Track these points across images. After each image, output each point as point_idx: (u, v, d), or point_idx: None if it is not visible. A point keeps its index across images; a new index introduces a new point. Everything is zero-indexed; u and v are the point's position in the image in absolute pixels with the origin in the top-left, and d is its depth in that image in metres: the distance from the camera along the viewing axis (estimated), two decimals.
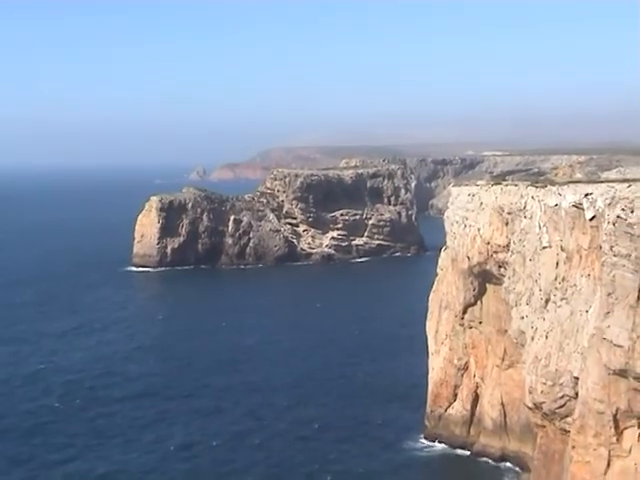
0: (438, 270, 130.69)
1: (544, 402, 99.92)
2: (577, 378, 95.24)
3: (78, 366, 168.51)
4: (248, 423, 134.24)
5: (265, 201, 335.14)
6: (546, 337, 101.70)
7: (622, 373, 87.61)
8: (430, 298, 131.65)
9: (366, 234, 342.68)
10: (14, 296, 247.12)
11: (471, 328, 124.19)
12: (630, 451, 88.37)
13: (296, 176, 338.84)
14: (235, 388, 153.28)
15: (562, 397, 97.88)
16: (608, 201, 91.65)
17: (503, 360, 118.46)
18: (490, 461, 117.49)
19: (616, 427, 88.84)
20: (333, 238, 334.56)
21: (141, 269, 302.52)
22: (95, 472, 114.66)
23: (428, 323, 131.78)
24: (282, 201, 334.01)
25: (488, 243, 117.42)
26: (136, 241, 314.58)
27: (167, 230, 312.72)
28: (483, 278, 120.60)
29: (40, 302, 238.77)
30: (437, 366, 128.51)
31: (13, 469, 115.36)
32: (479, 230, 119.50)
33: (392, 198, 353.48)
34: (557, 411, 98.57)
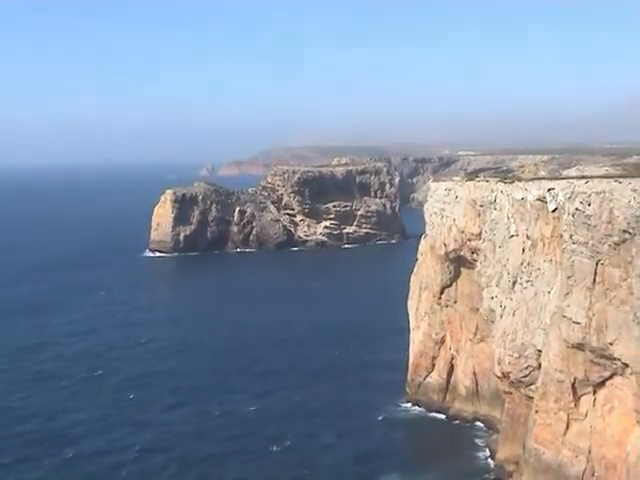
0: (418, 255, 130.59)
1: (511, 372, 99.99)
2: (540, 351, 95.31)
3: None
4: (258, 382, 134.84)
5: (266, 194, 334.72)
6: (513, 315, 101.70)
7: (579, 347, 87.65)
8: (411, 280, 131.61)
9: (355, 223, 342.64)
10: (55, 278, 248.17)
11: (447, 307, 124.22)
12: (586, 415, 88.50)
13: (294, 172, 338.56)
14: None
15: (527, 367, 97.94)
16: (568, 195, 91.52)
17: (475, 335, 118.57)
18: (463, 423, 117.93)
19: (574, 394, 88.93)
20: (326, 227, 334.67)
21: (157, 254, 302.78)
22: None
23: (409, 302, 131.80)
24: (281, 194, 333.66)
25: (462, 232, 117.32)
26: (152, 229, 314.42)
27: (180, 219, 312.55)
28: (458, 263, 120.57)
29: (76, 284, 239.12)
30: (417, 340, 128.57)
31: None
32: (454, 220, 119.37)
33: (378, 192, 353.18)
34: (522, 380, 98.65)
